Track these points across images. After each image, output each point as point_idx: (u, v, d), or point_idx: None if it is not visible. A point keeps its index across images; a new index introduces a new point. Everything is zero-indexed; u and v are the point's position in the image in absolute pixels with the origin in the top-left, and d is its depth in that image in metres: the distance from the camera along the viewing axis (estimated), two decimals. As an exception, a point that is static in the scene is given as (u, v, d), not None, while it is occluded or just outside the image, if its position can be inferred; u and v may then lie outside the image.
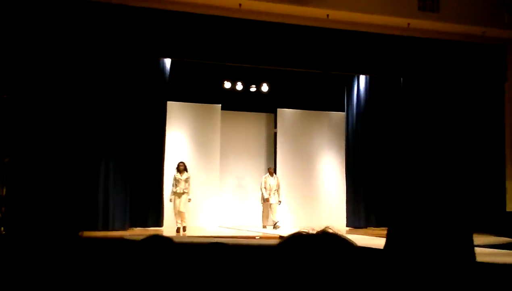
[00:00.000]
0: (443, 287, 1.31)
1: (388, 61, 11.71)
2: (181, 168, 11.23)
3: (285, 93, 13.65)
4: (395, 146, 12.79)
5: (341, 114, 13.78)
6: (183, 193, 11.09)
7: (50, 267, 1.69)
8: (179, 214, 11.05)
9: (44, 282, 1.66)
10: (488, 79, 12.33)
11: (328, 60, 11.39)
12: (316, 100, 13.82)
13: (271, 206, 12.36)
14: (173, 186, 11.19)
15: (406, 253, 1.35)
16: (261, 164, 13.82)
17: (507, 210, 12.00)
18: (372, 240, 8.19)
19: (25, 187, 9.54)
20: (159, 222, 11.42)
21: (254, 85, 13.33)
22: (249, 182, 13.57)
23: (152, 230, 10.75)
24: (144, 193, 11.33)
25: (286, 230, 11.41)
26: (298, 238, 1.09)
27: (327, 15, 10.87)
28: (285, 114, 13.80)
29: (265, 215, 12.45)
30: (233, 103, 13.33)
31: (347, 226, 12.86)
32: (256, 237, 10.22)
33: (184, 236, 10.18)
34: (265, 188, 12.36)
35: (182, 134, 12.76)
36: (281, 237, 10.18)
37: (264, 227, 12.38)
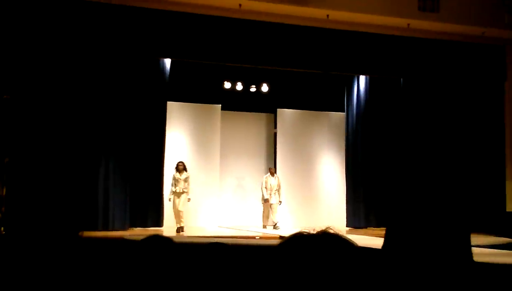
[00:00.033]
0: (440, 287, 1.31)
1: (388, 61, 11.71)
2: (180, 167, 11.23)
3: (285, 93, 13.65)
4: (395, 146, 12.79)
5: (341, 115, 13.79)
6: (183, 192, 11.10)
7: (50, 267, 1.69)
8: (178, 213, 11.05)
9: (44, 282, 1.66)
10: (488, 79, 12.33)
11: (328, 60, 11.39)
12: (316, 100, 13.82)
13: (272, 206, 12.36)
14: (172, 185, 11.20)
15: (404, 252, 1.35)
16: (261, 164, 13.82)
17: (507, 210, 12.00)
18: (372, 240, 8.19)
19: (25, 187, 9.54)
20: (159, 222, 11.42)
21: (254, 86, 13.33)
22: (249, 182, 13.57)
23: (152, 230, 10.75)
24: (144, 193, 11.33)
25: (286, 230, 11.42)
26: (299, 238, 1.10)
27: (327, 16, 10.87)
28: (285, 115, 13.80)
29: (266, 215, 12.45)
30: (233, 103, 13.33)
31: (347, 226, 12.86)
32: (256, 237, 10.22)
33: (184, 236, 10.17)
34: (265, 188, 12.36)
35: (182, 134, 12.76)
36: (281, 237, 10.19)
37: (264, 227, 12.38)
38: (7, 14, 9.39)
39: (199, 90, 12.90)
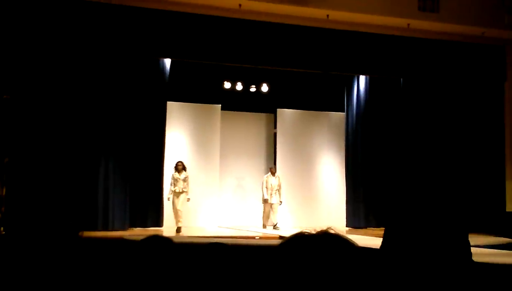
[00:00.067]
0: (440, 287, 1.31)
1: (388, 61, 11.71)
2: (180, 167, 11.22)
3: (285, 93, 13.65)
4: (395, 146, 12.79)
5: (341, 115, 13.79)
6: (182, 192, 11.10)
7: (50, 267, 1.69)
8: (176, 212, 11.04)
9: (44, 282, 1.66)
10: (488, 79, 12.34)
11: (328, 60, 11.39)
12: (316, 100, 13.82)
13: (272, 206, 12.34)
14: (171, 185, 11.19)
15: (402, 252, 1.35)
16: (260, 164, 13.82)
17: (507, 210, 12.01)
18: (371, 240, 8.19)
19: (25, 187, 9.54)
20: (158, 222, 11.41)
21: (254, 86, 13.32)
22: (249, 182, 13.57)
23: (152, 230, 10.75)
24: (144, 193, 11.33)
25: (286, 230, 11.42)
26: (300, 238, 1.10)
27: (327, 16, 10.87)
28: (285, 115, 13.80)
29: (266, 215, 12.43)
30: (233, 103, 13.32)
31: (346, 226, 12.86)
32: (256, 237, 10.22)
33: (183, 236, 10.17)
34: (266, 187, 12.34)
35: (182, 134, 12.76)
36: (281, 237, 10.19)
37: (264, 227, 12.37)
38: (7, 14, 9.39)
39: (199, 90, 12.90)
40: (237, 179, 13.67)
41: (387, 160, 12.91)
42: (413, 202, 11.03)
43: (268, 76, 13.03)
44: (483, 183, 12.19)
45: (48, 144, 9.92)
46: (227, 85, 13.07)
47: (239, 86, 13.12)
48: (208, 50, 10.63)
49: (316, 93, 13.71)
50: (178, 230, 10.92)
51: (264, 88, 13.30)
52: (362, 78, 13.28)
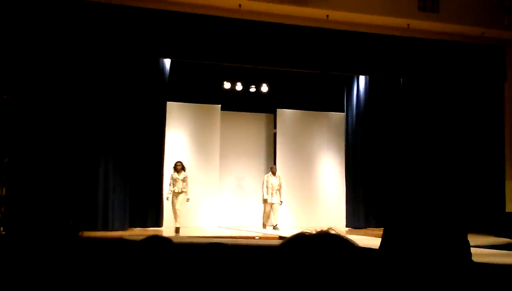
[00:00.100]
0: (440, 287, 1.31)
1: (388, 61, 11.72)
2: (179, 167, 11.21)
3: (285, 93, 13.65)
4: (395, 147, 12.79)
5: (341, 115, 13.79)
6: (181, 192, 11.08)
7: (50, 267, 1.69)
8: (175, 212, 11.03)
9: (44, 282, 1.66)
10: (488, 79, 12.34)
11: (327, 60, 11.39)
12: (316, 100, 13.82)
13: (273, 206, 12.32)
14: (170, 185, 11.17)
15: (401, 252, 1.35)
16: (260, 164, 13.82)
17: (507, 210, 12.01)
18: (371, 240, 8.19)
19: (24, 187, 9.54)
20: (158, 222, 11.41)
21: (253, 86, 13.32)
22: (249, 182, 13.57)
23: (152, 230, 10.75)
24: (144, 193, 11.33)
25: (285, 230, 11.41)
26: (301, 239, 1.10)
27: (327, 16, 10.87)
28: (285, 115, 13.80)
29: (267, 215, 12.40)
30: (233, 103, 13.32)
31: (346, 226, 12.86)
32: (256, 237, 10.22)
33: (183, 237, 10.16)
34: (266, 187, 12.32)
35: (182, 134, 12.76)
36: (280, 237, 10.19)
37: (264, 226, 12.36)
38: (7, 14, 9.39)
39: (198, 90, 12.90)
40: (237, 179, 13.67)
41: (387, 160, 12.91)
42: (412, 202, 11.03)
43: (268, 77, 13.03)
44: (482, 183, 12.19)
45: (48, 145, 9.92)
46: (227, 85, 13.07)
47: (239, 87, 13.12)
48: (208, 50, 10.63)
49: (316, 94, 13.71)
50: (176, 230, 10.90)
51: (264, 88, 13.30)
52: (362, 79, 13.28)
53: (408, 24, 11.29)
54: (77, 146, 10.26)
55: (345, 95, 13.60)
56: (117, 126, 10.78)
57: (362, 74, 12.99)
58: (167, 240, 2.25)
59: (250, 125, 13.95)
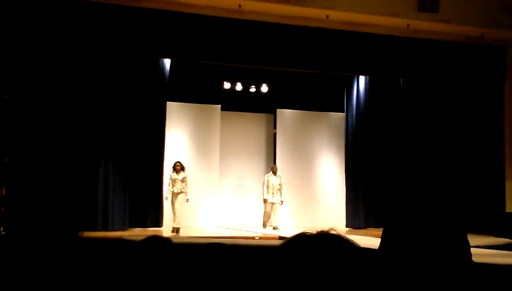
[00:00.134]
0: (439, 287, 1.31)
1: (388, 62, 11.72)
2: (178, 167, 11.19)
3: (285, 93, 13.65)
4: (395, 147, 12.79)
5: (341, 115, 13.79)
6: (180, 193, 11.06)
7: (50, 268, 1.69)
8: (174, 212, 11.02)
9: (44, 283, 1.66)
10: (488, 80, 12.34)
11: (327, 60, 11.39)
12: (316, 101, 13.82)
13: (274, 206, 12.30)
14: (169, 185, 11.16)
15: (401, 253, 1.35)
16: (260, 164, 13.82)
17: (507, 210, 12.01)
18: (371, 240, 8.19)
19: (24, 187, 9.54)
20: (158, 222, 11.40)
21: (253, 86, 13.30)
22: (249, 182, 13.57)
23: (152, 230, 10.76)
24: (144, 193, 11.32)
25: (285, 231, 11.41)
26: (302, 239, 1.10)
27: (327, 16, 10.87)
28: (285, 115, 13.80)
29: (267, 214, 12.39)
30: (233, 103, 13.32)
31: (346, 226, 12.85)
32: (256, 238, 10.22)
33: (183, 237, 10.16)
34: (267, 186, 12.31)
35: (182, 134, 12.76)
36: (280, 237, 10.19)
37: (264, 226, 12.36)
38: (7, 14, 9.39)
39: (198, 90, 12.89)
40: (236, 179, 13.67)
41: (387, 160, 12.90)
42: (412, 202, 11.03)
43: (267, 77, 13.02)
44: (482, 184, 12.19)
45: (48, 145, 9.91)
46: (226, 85, 13.06)
47: (239, 87, 13.11)
48: (207, 50, 10.63)
49: (316, 94, 13.71)
50: (175, 230, 10.86)
51: (264, 88, 13.29)
52: (362, 79, 13.28)
53: (408, 24, 11.30)
54: (77, 146, 10.25)
55: (345, 96, 13.60)
56: (117, 127, 10.78)
57: (362, 75, 12.99)
58: (166, 240, 2.25)
59: (250, 125, 13.95)
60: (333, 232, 1.11)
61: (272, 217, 12.35)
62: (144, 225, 11.26)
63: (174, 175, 11.13)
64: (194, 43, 10.53)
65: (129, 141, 11.01)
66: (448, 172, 12.08)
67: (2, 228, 8.83)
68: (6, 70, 9.48)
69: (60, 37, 9.68)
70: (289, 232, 10.52)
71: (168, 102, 11.92)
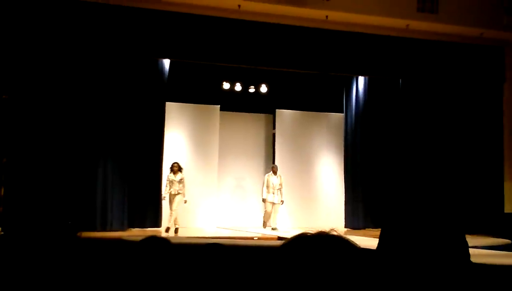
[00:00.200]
0: (438, 288, 1.31)
1: (387, 62, 11.73)
2: (175, 168, 11.17)
3: (284, 94, 13.65)
4: (394, 147, 12.79)
5: (340, 115, 13.79)
6: (178, 194, 11.04)
7: (48, 268, 1.69)
8: (170, 213, 11.00)
9: (43, 283, 1.66)
10: (487, 80, 12.35)
11: (327, 61, 11.40)
12: (315, 101, 13.82)
13: (274, 206, 12.28)
14: (166, 186, 11.13)
15: (399, 253, 1.35)
16: (259, 164, 13.82)
17: (505, 211, 12.02)
18: (371, 241, 8.19)
19: (23, 187, 9.54)
20: (157, 223, 11.40)
21: (253, 86, 13.31)
22: (248, 182, 13.57)
23: (150, 231, 10.76)
24: (143, 194, 11.31)
25: (285, 231, 11.40)
26: (302, 240, 1.10)
27: (326, 16, 10.87)
28: (284, 115, 13.80)
29: (268, 214, 12.36)
30: (232, 104, 13.32)
31: (345, 226, 12.85)
32: (254, 238, 10.21)
33: (182, 237, 10.16)
34: (267, 186, 12.30)
35: (181, 135, 12.76)
36: (279, 238, 10.18)
37: (264, 226, 12.35)
38: (7, 14, 9.39)
39: (197, 91, 12.89)
40: (235, 180, 13.67)
41: (386, 160, 12.91)
42: (410, 202, 11.04)
43: (267, 77, 13.03)
44: (481, 184, 12.20)
45: (47, 145, 9.91)
46: (226, 86, 13.07)
47: (238, 87, 13.11)
48: (207, 50, 10.63)
49: (315, 94, 13.71)
50: (176, 230, 10.87)
51: (263, 89, 13.29)
52: (361, 79, 13.28)
53: (407, 25, 11.31)
54: (76, 146, 10.25)
55: (344, 96, 13.60)
56: (116, 127, 10.78)
57: (361, 75, 13.00)
58: (165, 240, 2.25)
59: (249, 125, 13.95)
60: (334, 233, 1.11)
61: (272, 216, 12.34)
62: (143, 225, 11.25)
63: (172, 176, 11.11)
64: (193, 44, 10.53)
65: (128, 141, 11.00)
66: (446, 172, 12.09)
67: (0, 228, 8.81)
68: (6, 70, 9.48)
69: (59, 37, 9.68)
70: (288, 232, 10.52)
71: (167, 103, 11.91)
